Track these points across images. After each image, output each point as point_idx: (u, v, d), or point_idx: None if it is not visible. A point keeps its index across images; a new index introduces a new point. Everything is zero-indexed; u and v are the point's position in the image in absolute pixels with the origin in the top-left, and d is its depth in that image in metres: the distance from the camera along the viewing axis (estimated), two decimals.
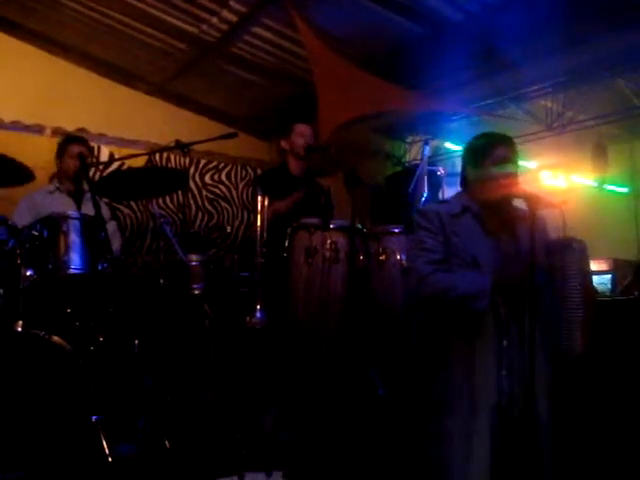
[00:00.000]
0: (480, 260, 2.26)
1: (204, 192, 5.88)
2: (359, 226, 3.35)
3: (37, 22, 5.07)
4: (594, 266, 6.45)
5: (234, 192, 6.08)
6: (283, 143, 3.98)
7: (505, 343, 2.22)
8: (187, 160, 5.46)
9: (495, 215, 2.36)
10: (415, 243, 2.38)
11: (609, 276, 6.37)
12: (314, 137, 4.01)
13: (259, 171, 5.93)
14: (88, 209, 3.58)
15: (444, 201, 2.46)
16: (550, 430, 2.18)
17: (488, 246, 2.31)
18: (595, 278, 6.26)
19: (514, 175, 2.32)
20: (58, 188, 3.82)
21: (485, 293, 2.17)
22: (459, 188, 2.53)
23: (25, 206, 3.70)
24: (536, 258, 2.11)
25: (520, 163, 2.43)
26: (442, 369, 2.27)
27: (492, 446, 2.15)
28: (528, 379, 2.05)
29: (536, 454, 2.07)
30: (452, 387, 2.23)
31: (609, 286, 6.24)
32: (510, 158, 2.34)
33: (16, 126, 5.02)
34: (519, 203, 2.31)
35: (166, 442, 2.78)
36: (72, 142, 3.89)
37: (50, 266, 3.00)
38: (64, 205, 3.72)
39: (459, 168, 2.54)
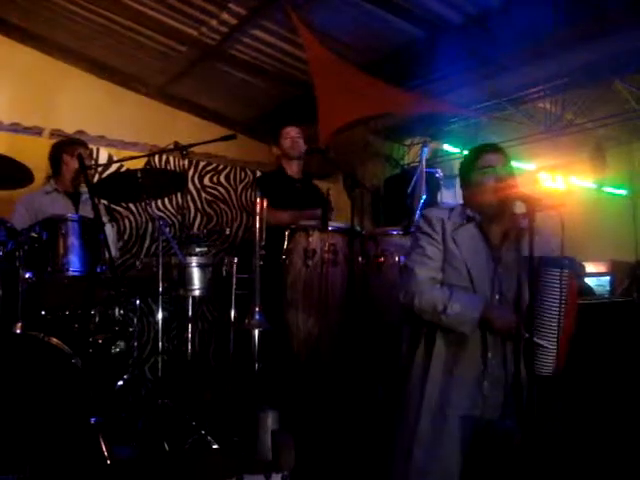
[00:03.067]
0: (475, 278, 2.28)
1: (203, 194, 5.87)
2: (358, 228, 3.35)
3: (36, 24, 5.06)
4: (592, 268, 6.47)
5: (233, 194, 6.07)
6: (274, 149, 4.07)
7: (490, 355, 2.24)
8: (186, 162, 5.45)
9: (497, 225, 2.36)
10: (416, 247, 2.40)
11: (607, 278, 6.39)
12: (302, 134, 4.06)
13: (258, 173, 5.92)
14: (85, 210, 3.58)
15: (451, 208, 2.45)
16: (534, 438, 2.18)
17: (487, 263, 2.31)
18: (594, 280, 6.28)
19: (505, 178, 2.33)
20: (56, 189, 3.81)
21: (473, 324, 2.20)
22: (457, 190, 2.54)
23: (23, 207, 3.69)
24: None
25: (516, 165, 2.43)
26: (423, 375, 2.30)
27: (462, 452, 2.19)
28: (512, 390, 2.06)
29: (512, 461, 2.07)
30: (428, 395, 2.26)
31: (608, 288, 6.25)
32: (497, 163, 2.36)
33: (15, 128, 5.01)
34: (518, 206, 2.31)
35: (165, 444, 2.79)
36: (71, 144, 3.89)
37: (49, 268, 3.00)
38: (62, 206, 3.72)
39: (457, 170, 2.55)
